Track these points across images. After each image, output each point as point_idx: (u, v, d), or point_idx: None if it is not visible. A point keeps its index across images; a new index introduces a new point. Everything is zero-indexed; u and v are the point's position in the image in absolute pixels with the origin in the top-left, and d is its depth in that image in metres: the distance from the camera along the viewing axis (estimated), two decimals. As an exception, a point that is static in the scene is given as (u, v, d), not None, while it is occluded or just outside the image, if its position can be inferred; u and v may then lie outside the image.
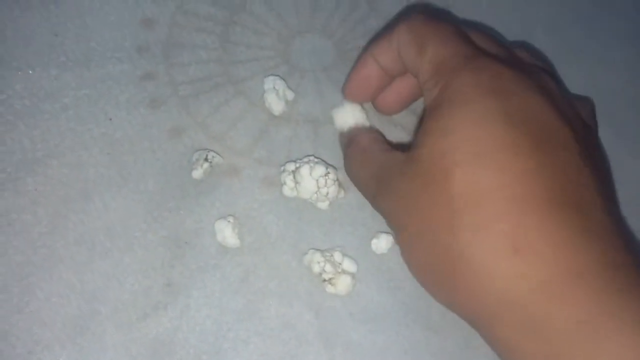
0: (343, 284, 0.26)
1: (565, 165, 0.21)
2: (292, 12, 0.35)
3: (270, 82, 0.31)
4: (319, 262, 0.26)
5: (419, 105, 0.31)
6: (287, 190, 0.28)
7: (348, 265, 0.27)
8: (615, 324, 0.19)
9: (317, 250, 0.27)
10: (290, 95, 0.31)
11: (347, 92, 0.30)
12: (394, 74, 0.28)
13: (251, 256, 0.27)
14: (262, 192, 0.28)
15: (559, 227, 0.20)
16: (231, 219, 0.27)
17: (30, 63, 0.30)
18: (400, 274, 0.27)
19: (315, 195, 0.27)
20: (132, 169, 0.28)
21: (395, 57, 0.26)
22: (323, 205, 0.28)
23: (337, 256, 0.27)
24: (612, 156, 0.31)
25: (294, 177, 0.28)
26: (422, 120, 0.24)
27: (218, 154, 0.29)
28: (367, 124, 0.29)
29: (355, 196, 0.28)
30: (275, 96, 0.30)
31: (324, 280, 0.26)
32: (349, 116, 0.29)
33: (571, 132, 0.22)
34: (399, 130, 0.31)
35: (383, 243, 0.27)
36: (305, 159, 0.28)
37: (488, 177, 0.21)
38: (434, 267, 0.22)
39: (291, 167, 0.28)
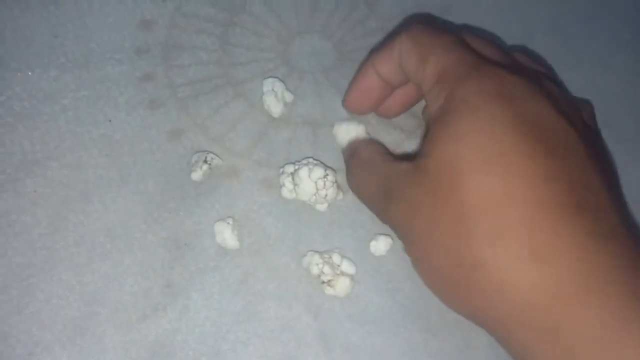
0: (342, 286, 0.26)
1: (576, 169, 0.21)
2: (292, 13, 0.35)
3: (269, 84, 0.31)
4: (317, 264, 0.26)
5: (418, 107, 0.31)
6: (286, 192, 0.28)
7: (347, 267, 0.27)
8: None
9: (316, 252, 0.27)
10: (289, 97, 0.31)
11: (348, 104, 0.30)
12: (395, 84, 0.28)
13: (250, 258, 0.27)
14: (261, 194, 0.28)
15: (577, 232, 0.20)
16: (230, 221, 0.27)
17: (30, 64, 0.30)
18: (399, 275, 0.27)
19: (314, 197, 0.27)
20: (131, 170, 0.28)
21: (396, 68, 0.26)
22: (322, 207, 0.28)
23: (336, 258, 0.27)
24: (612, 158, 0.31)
25: (293, 179, 0.28)
26: (428, 129, 0.24)
27: (217, 156, 0.29)
28: (367, 137, 0.29)
29: (353, 198, 0.28)
30: (274, 98, 0.30)
31: (323, 282, 0.26)
32: (350, 131, 0.29)
33: (578, 135, 0.22)
34: (397, 132, 0.31)
35: (382, 245, 0.27)
36: (304, 161, 0.28)
37: (501, 183, 0.21)
38: (449, 277, 0.22)
39: (290, 169, 0.28)
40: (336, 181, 0.28)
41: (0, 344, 0.24)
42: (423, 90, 0.25)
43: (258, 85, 0.31)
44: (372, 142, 0.29)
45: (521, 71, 0.24)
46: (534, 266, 0.20)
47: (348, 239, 0.28)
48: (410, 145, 0.31)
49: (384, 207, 0.25)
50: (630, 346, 0.19)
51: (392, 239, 0.27)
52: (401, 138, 0.31)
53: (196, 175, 0.28)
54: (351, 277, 0.27)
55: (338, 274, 0.26)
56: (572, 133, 0.22)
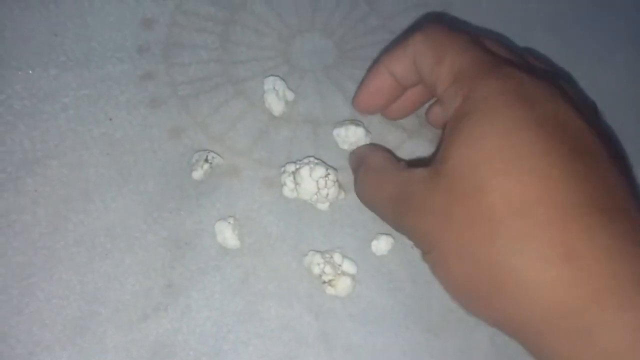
0: (343, 286, 0.26)
1: (599, 170, 0.21)
2: (293, 11, 0.34)
3: (270, 83, 0.31)
4: (318, 264, 0.26)
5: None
6: (287, 192, 0.28)
7: (348, 266, 0.27)
8: None
9: (317, 251, 0.27)
10: (290, 95, 0.31)
11: (358, 103, 0.29)
12: (407, 84, 0.27)
13: (251, 257, 0.27)
14: (262, 193, 0.28)
15: (607, 233, 0.20)
16: (231, 220, 0.27)
17: (30, 63, 0.30)
18: (401, 275, 0.27)
19: (316, 196, 0.27)
20: (132, 169, 0.28)
21: (409, 67, 0.26)
22: (323, 206, 0.28)
23: (337, 257, 0.27)
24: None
25: (294, 178, 0.28)
26: (446, 132, 0.23)
27: (218, 155, 0.29)
28: (368, 140, 0.29)
29: (355, 197, 0.28)
30: (275, 97, 0.30)
31: (324, 282, 0.26)
32: (350, 134, 0.29)
33: (596, 136, 0.22)
34: (399, 131, 0.31)
35: (383, 244, 0.27)
36: (306, 160, 0.28)
37: (528, 185, 0.20)
38: (475, 282, 0.22)
39: (291, 168, 0.28)
40: (337, 180, 0.28)
41: (1, 344, 0.24)
42: (438, 90, 0.24)
43: (259, 83, 0.31)
44: (378, 149, 0.28)
45: (536, 72, 0.24)
46: (565, 269, 0.19)
47: (349, 238, 0.28)
48: (412, 145, 0.31)
49: (400, 215, 0.24)
50: None
51: (394, 238, 0.27)
52: (403, 137, 0.31)
53: (197, 174, 0.28)
54: (352, 276, 0.26)
55: (339, 274, 0.26)
56: (592, 134, 0.22)
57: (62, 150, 0.28)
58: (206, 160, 0.28)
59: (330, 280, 0.26)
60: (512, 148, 0.21)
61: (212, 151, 0.29)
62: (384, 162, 0.26)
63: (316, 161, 0.28)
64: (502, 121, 0.21)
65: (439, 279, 0.23)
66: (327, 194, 0.27)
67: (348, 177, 0.29)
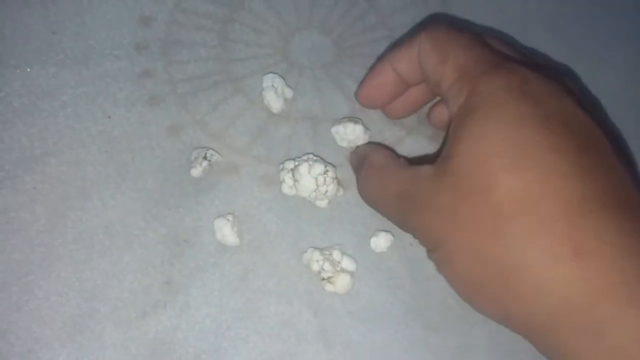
0: (342, 283, 0.26)
1: (606, 166, 0.21)
2: (291, 9, 0.34)
3: (268, 80, 0.31)
4: (318, 261, 0.26)
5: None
6: (286, 189, 0.28)
7: (347, 263, 0.27)
8: None
9: (316, 248, 0.27)
10: (289, 93, 0.31)
11: (361, 96, 0.29)
12: (411, 82, 0.27)
13: (250, 254, 0.27)
14: (261, 190, 0.28)
15: (617, 229, 0.20)
16: (230, 217, 0.27)
17: (29, 61, 0.30)
18: (400, 272, 0.27)
19: (314, 193, 0.27)
20: (130, 166, 0.28)
21: (414, 65, 0.26)
22: (322, 203, 0.28)
23: (336, 254, 0.26)
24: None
25: (293, 175, 0.27)
26: (450, 129, 0.23)
27: (217, 152, 0.29)
28: (367, 138, 0.29)
29: (354, 194, 0.28)
30: (274, 94, 0.30)
31: (323, 279, 0.26)
32: (349, 132, 0.29)
33: (602, 132, 0.22)
34: (398, 128, 0.31)
35: (382, 241, 0.27)
36: (304, 157, 0.28)
37: (535, 181, 0.20)
38: (483, 280, 0.21)
39: (290, 165, 0.28)
40: (336, 177, 0.28)
41: (0, 341, 0.24)
42: (442, 88, 0.24)
43: (257, 81, 0.31)
44: (379, 147, 0.28)
45: (541, 69, 0.24)
46: (574, 264, 0.19)
47: (348, 235, 0.28)
48: (411, 141, 0.31)
49: (404, 214, 0.24)
50: None
51: (393, 235, 0.27)
52: (402, 134, 0.31)
53: (196, 171, 0.28)
54: (351, 273, 0.26)
55: (338, 271, 0.26)
56: (597, 130, 0.22)
57: (60, 147, 0.28)
58: (205, 158, 0.28)
59: (329, 277, 0.26)
60: (518, 144, 0.21)
61: (210, 148, 0.29)
62: (386, 161, 0.26)
63: (315, 158, 0.28)
64: (507, 118, 0.21)
65: (445, 277, 0.23)
66: (326, 191, 0.27)
67: (347, 174, 0.29)
